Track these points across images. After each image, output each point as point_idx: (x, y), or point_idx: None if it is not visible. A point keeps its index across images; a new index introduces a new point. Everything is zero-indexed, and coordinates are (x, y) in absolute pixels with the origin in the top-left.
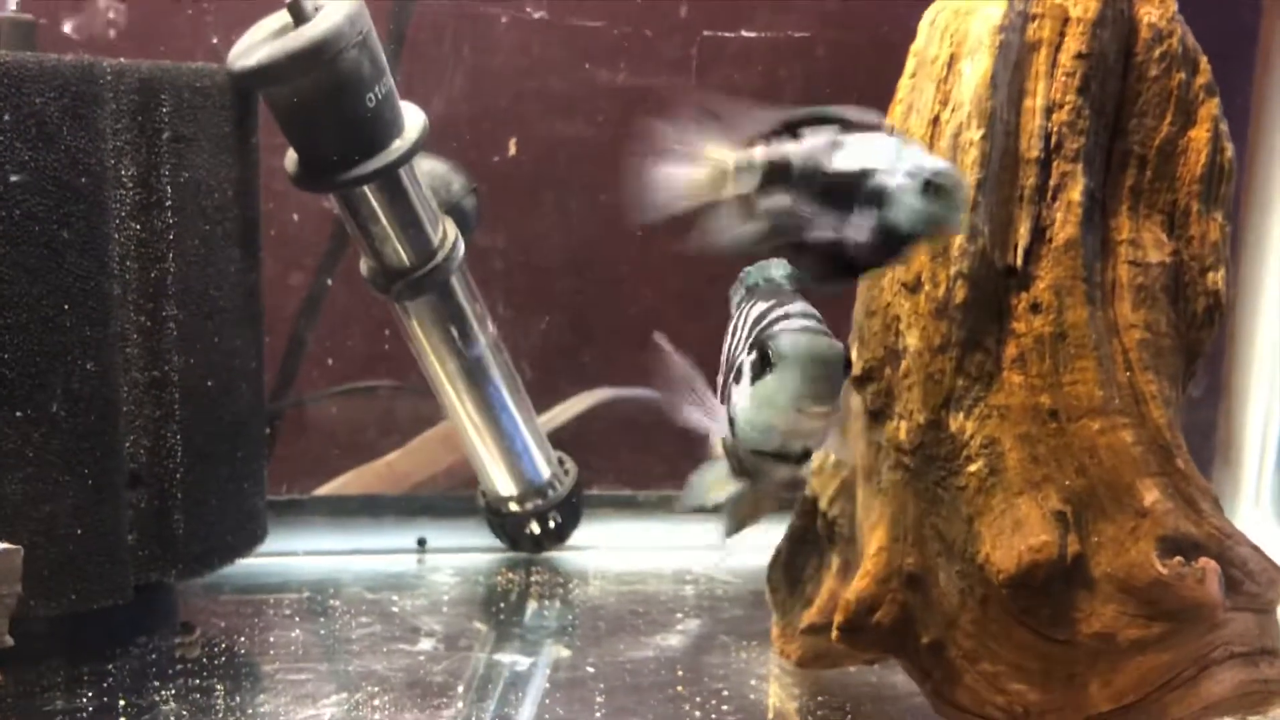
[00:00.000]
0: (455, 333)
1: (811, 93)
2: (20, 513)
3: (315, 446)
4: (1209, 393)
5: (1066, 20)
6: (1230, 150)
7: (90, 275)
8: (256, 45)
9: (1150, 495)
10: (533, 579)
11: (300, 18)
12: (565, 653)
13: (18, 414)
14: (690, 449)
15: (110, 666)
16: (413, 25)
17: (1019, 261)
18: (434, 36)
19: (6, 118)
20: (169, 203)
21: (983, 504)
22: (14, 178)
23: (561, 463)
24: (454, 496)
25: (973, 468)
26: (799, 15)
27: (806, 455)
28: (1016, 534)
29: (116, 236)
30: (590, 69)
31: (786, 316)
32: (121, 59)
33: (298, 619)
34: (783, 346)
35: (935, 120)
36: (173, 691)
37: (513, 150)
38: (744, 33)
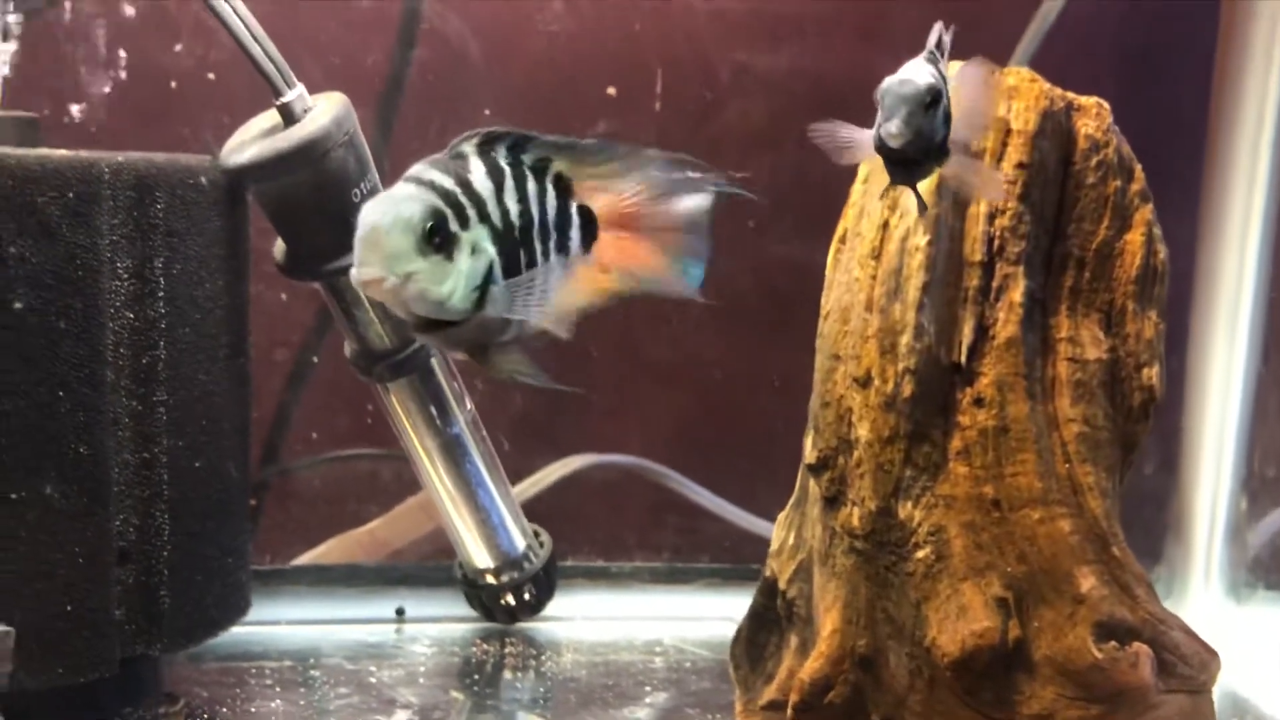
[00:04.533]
0: (434, 411)
1: None
2: (13, 591)
3: (299, 515)
4: (1162, 468)
5: (1008, 132)
6: (1163, 253)
7: (85, 363)
8: (248, 143)
9: (1087, 582)
10: (507, 650)
11: (290, 119)
12: None
13: (13, 496)
14: (660, 520)
15: None
16: None
17: (963, 358)
18: None
19: (10, 217)
20: (161, 293)
21: (930, 589)
22: (14, 269)
23: (537, 535)
24: (432, 567)
25: (920, 554)
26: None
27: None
28: (961, 619)
29: (111, 325)
30: None
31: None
32: (120, 156)
33: (279, 689)
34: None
35: (885, 225)
36: None
37: None
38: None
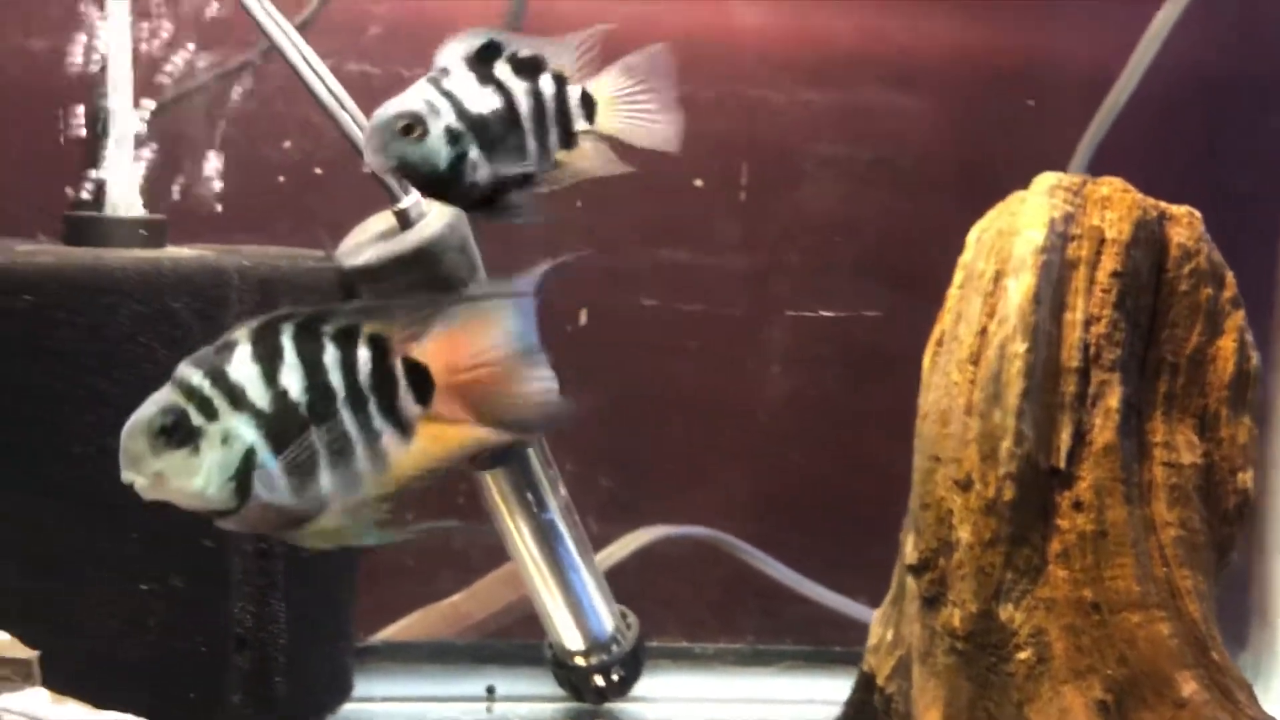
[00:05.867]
0: (530, 498)
1: None
2: (140, 677)
3: (383, 588)
4: (1246, 553)
5: (1103, 241)
6: (1256, 358)
7: None
8: (364, 245)
9: (1189, 687)
10: None
11: (405, 223)
12: None
13: (142, 587)
14: (742, 600)
15: None
16: None
17: (1062, 463)
18: None
19: (145, 320)
20: None
21: (1031, 690)
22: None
23: (624, 617)
24: (522, 645)
25: (1022, 656)
26: None
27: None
28: None
29: None
30: None
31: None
32: (245, 259)
33: None
34: None
35: (983, 331)
36: None
37: (583, 320)
38: None
